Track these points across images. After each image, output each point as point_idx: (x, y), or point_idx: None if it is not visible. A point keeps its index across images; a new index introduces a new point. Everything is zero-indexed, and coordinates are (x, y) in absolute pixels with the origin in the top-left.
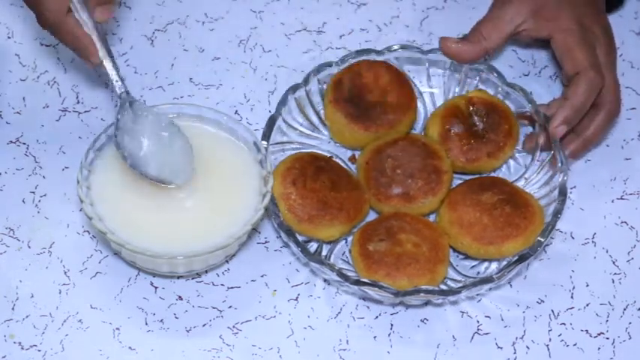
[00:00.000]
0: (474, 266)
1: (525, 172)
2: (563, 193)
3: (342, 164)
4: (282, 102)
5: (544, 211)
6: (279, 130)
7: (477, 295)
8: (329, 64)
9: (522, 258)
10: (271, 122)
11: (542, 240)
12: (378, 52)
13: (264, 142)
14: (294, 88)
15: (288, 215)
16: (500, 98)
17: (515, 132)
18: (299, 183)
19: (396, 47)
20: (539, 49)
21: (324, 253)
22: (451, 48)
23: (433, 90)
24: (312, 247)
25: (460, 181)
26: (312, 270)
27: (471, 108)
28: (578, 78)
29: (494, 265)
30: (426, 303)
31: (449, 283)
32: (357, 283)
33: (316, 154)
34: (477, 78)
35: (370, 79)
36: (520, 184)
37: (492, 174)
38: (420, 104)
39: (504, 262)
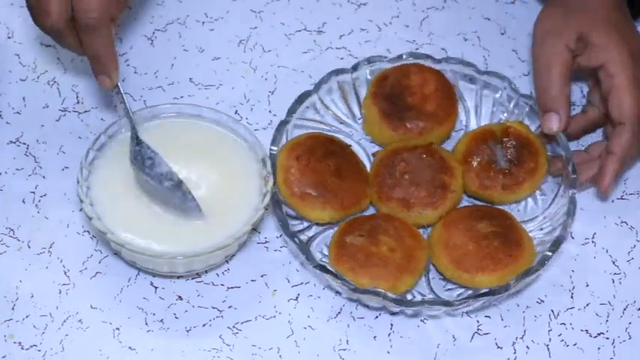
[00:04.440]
0: (450, 289)
1: (538, 216)
2: (556, 244)
3: (365, 157)
4: (324, 81)
5: (534, 257)
6: (312, 107)
7: (448, 314)
8: (381, 59)
9: (490, 292)
10: (303, 97)
11: (513, 282)
12: (435, 60)
13: (288, 118)
14: (338, 72)
15: (282, 187)
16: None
17: (540, 173)
18: (303, 159)
19: (453, 60)
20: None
21: (310, 233)
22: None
23: (480, 110)
24: (305, 226)
25: (470, 204)
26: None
27: (504, 138)
28: (623, 130)
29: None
30: (384, 307)
31: (415, 294)
32: (319, 268)
33: (334, 138)
34: (527, 108)
35: (416, 83)
36: (528, 225)
37: (506, 207)
38: (463, 121)
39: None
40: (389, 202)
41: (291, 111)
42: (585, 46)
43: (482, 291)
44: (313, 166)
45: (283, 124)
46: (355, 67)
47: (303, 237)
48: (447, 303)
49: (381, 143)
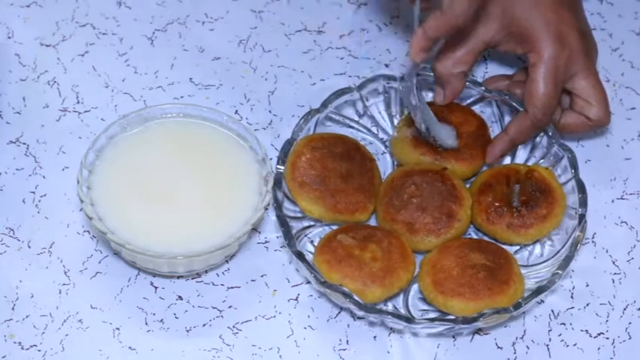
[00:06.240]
0: (424, 309)
1: (538, 264)
2: (535, 293)
3: (390, 169)
4: (369, 81)
5: (512, 299)
6: (351, 104)
7: (413, 333)
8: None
9: (455, 320)
10: (340, 93)
11: (484, 317)
12: (486, 90)
13: (321, 109)
14: (388, 77)
15: (288, 170)
16: (568, 188)
17: (551, 222)
18: (317, 152)
19: (506, 96)
20: None
21: (305, 223)
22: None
23: (517, 148)
24: (303, 215)
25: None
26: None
27: (526, 180)
28: (525, 117)
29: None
30: (341, 309)
31: (380, 304)
32: (296, 254)
33: (362, 147)
34: (564, 158)
35: (457, 120)
36: (527, 270)
37: (513, 248)
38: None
39: (448, 316)
40: (394, 223)
41: (326, 103)
42: (510, 35)
43: (448, 317)
44: (325, 162)
45: (313, 113)
46: (401, 78)
47: (298, 225)
48: (408, 319)
49: (399, 160)
